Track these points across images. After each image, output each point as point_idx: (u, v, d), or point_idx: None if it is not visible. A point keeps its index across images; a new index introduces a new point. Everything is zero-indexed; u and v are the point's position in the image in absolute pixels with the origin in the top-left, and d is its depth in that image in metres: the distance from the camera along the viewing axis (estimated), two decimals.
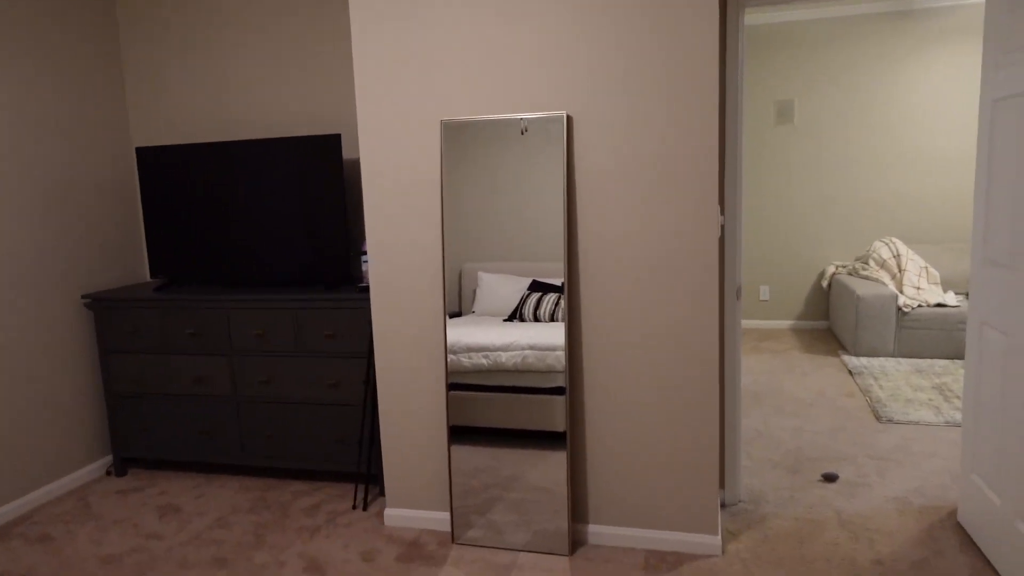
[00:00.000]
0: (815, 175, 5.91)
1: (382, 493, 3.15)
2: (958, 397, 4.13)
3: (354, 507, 3.05)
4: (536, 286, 2.56)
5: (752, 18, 5.77)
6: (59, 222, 3.32)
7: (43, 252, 3.24)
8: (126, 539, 2.86)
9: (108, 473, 3.52)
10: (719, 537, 2.56)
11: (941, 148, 5.62)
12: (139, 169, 3.43)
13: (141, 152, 3.41)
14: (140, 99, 3.70)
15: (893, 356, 5.01)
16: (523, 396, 2.60)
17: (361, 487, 3.23)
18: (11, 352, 3.10)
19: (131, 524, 2.98)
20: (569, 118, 2.48)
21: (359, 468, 3.09)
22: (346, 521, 2.93)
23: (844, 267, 5.82)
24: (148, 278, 3.85)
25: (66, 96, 3.36)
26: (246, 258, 3.35)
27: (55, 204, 3.30)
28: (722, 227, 2.72)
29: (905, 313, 4.94)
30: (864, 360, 4.96)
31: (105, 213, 3.58)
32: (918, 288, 5.19)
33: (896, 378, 4.52)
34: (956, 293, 5.24)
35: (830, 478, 3.10)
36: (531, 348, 2.56)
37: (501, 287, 2.59)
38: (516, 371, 2.59)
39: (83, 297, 3.38)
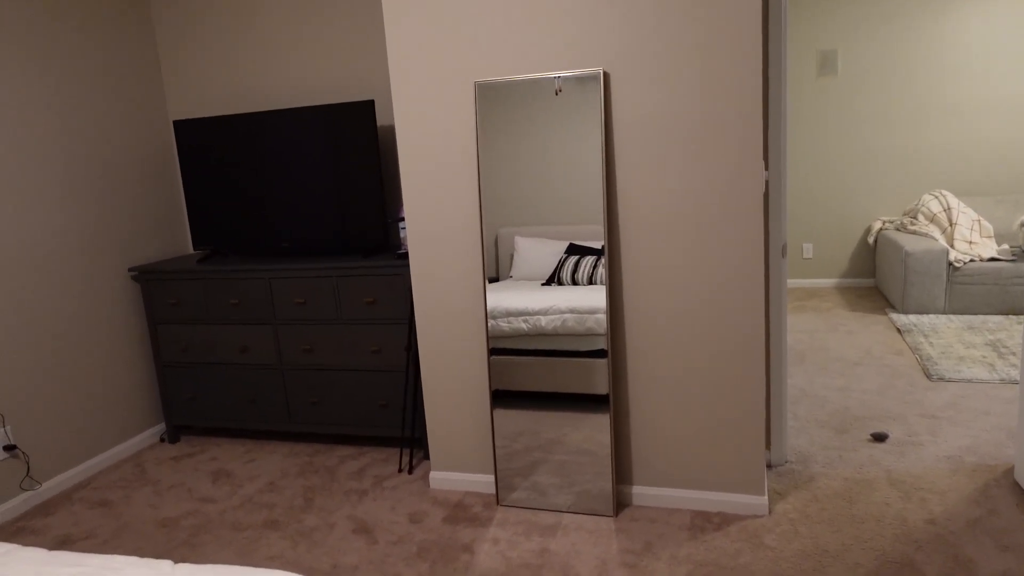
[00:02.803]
0: (860, 127, 5.70)
1: (426, 457, 3.20)
2: (1014, 354, 4.00)
3: (399, 471, 3.10)
4: (573, 249, 2.53)
5: None
6: (104, 198, 3.38)
7: (90, 228, 3.31)
8: (181, 503, 2.95)
9: (161, 440, 3.64)
10: (766, 497, 2.53)
11: (994, 95, 5.36)
12: (177, 142, 3.46)
13: (178, 125, 3.44)
14: (175, 72, 3.72)
15: (944, 313, 4.87)
16: (563, 359, 2.59)
17: (406, 451, 3.28)
18: (66, 326, 3.19)
19: (185, 488, 3.08)
20: (606, 75, 2.41)
21: (403, 432, 3.13)
22: (392, 484, 2.98)
23: (891, 222, 5.64)
24: (191, 250, 3.91)
25: (103, 73, 3.39)
26: (285, 227, 3.38)
27: (99, 181, 3.36)
28: (766, 183, 2.65)
29: (956, 268, 4.78)
30: (913, 317, 4.83)
31: (147, 187, 3.64)
32: (970, 242, 5.01)
33: (947, 335, 4.40)
34: (1012, 247, 5.04)
35: (879, 437, 3.04)
36: (570, 311, 2.54)
37: (538, 251, 2.57)
38: (556, 335, 2.58)
39: (130, 270, 3.45)
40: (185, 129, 3.44)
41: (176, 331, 3.47)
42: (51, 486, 3.11)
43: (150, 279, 3.45)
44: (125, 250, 3.50)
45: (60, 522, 2.87)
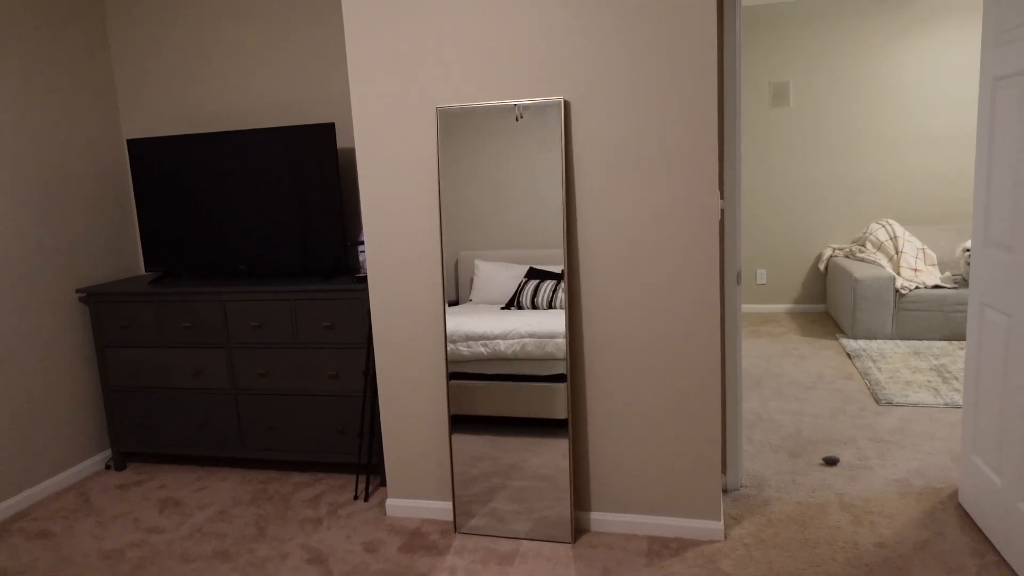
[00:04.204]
0: (811, 157, 5.89)
1: (383, 483, 3.15)
2: (957, 378, 4.14)
3: (355, 498, 3.04)
4: (533, 273, 2.54)
5: None
6: (52, 217, 3.29)
7: (37, 247, 3.21)
8: (127, 533, 2.85)
9: (107, 467, 3.51)
10: (722, 522, 2.56)
11: (938, 128, 5.60)
12: (131, 162, 3.39)
13: (132, 144, 3.37)
14: (130, 91, 3.65)
15: (891, 338, 5.02)
16: (523, 384, 2.59)
17: (362, 478, 3.23)
18: (7, 348, 3.07)
19: (131, 518, 2.97)
20: (566, 103, 2.45)
21: (360, 459, 3.08)
22: (348, 512, 2.92)
23: (841, 250, 5.81)
24: (143, 271, 3.82)
25: (55, 89, 3.31)
26: (241, 250, 3.32)
27: (47, 199, 3.26)
28: (722, 211, 2.71)
29: (903, 295, 4.94)
30: (862, 343, 4.96)
31: (98, 207, 3.55)
32: (915, 270, 5.19)
33: (894, 360, 4.53)
34: (953, 274, 5.24)
35: (831, 461, 3.10)
36: (530, 336, 2.55)
37: (498, 275, 2.57)
38: (515, 359, 2.58)
39: (78, 291, 3.35)
40: (139, 148, 3.37)
41: (126, 354, 3.37)
42: None
43: (99, 300, 3.35)
44: (73, 270, 3.40)
45: None
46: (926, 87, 5.58)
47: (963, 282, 5.04)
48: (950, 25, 5.46)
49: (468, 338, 2.61)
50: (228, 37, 3.47)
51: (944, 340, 4.93)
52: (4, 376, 3.06)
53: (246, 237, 3.31)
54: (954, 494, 2.78)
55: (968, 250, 5.15)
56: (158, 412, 3.38)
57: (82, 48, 3.47)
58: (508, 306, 2.58)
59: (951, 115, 5.56)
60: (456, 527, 2.71)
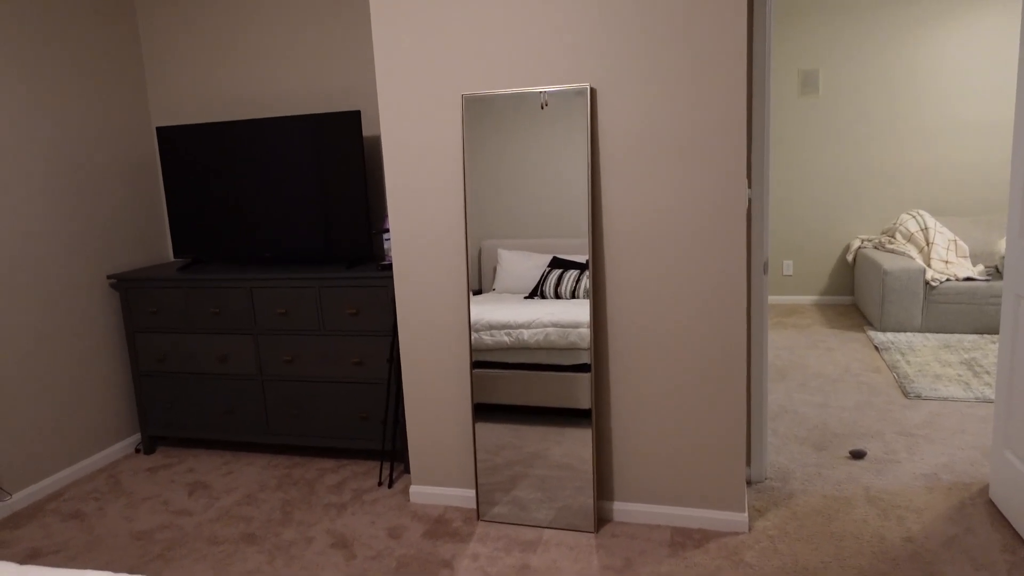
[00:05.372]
0: (840, 146, 5.79)
1: (407, 470, 3.17)
2: (988, 372, 4.06)
3: (379, 484, 3.07)
4: (556, 263, 2.53)
5: None
6: (83, 204, 3.34)
7: (68, 234, 3.27)
8: (156, 515, 2.90)
9: (137, 451, 3.58)
10: (746, 514, 2.54)
11: (971, 117, 5.47)
12: (160, 149, 3.43)
13: (161, 132, 3.41)
14: (159, 78, 3.69)
15: (920, 331, 4.93)
16: (545, 373, 2.59)
17: (386, 464, 3.25)
18: (40, 333, 3.13)
19: (161, 501, 3.03)
20: (593, 90, 2.43)
21: (384, 446, 3.10)
22: (372, 498, 2.95)
23: (870, 241, 5.72)
24: (172, 258, 3.87)
25: (86, 78, 3.36)
26: (268, 237, 3.35)
27: (79, 187, 3.32)
28: (749, 200, 2.67)
29: (933, 287, 4.85)
30: (890, 335, 4.89)
31: (128, 194, 3.60)
32: (946, 262, 5.09)
33: (924, 353, 4.45)
34: (986, 267, 5.13)
35: (858, 455, 3.06)
36: (553, 325, 2.54)
37: (521, 264, 2.57)
38: (538, 348, 2.57)
39: (109, 278, 3.41)
40: (168, 136, 3.41)
41: (155, 340, 3.42)
42: (22, 497, 3.04)
43: (129, 287, 3.40)
44: (104, 257, 3.46)
45: (30, 534, 2.81)
46: (960, 75, 5.44)
47: (996, 274, 4.94)
48: (985, 11, 5.32)
49: (491, 327, 2.61)
50: (256, 26, 3.49)
51: (975, 334, 4.84)
52: (38, 360, 3.13)
53: (273, 224, 3.34)
54: (984, 489, 2.73)
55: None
56: (186, 397, 3.43)
57: (112, 37, 3.51)
58: (531, 295, 2.58)
59: (986, 103, 5.43)
60: (479, 515, 2.73)
